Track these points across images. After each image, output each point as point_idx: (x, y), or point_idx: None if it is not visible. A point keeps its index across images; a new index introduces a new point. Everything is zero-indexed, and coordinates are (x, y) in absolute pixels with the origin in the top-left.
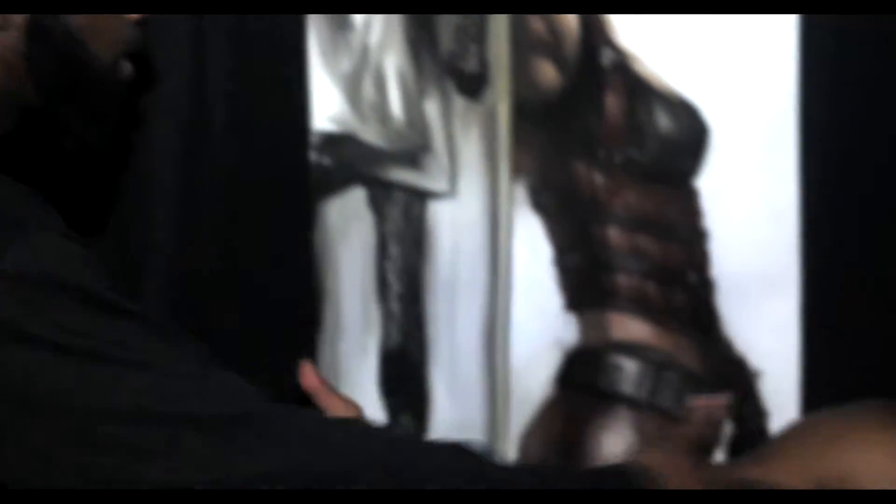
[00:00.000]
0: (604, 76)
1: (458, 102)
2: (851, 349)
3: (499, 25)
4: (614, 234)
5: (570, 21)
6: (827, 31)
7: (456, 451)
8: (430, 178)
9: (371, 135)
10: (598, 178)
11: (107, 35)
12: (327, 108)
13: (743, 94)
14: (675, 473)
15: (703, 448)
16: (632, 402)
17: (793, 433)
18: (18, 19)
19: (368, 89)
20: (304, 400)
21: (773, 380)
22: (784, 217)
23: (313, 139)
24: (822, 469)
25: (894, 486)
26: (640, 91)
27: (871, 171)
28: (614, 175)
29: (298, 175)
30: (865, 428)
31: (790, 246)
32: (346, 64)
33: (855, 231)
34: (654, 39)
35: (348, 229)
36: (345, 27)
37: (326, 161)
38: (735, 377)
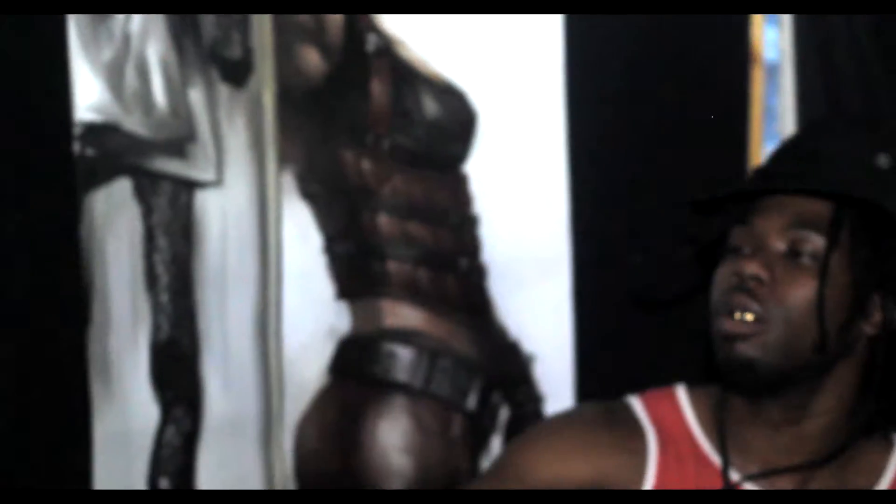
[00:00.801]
0: (369, 62)
1: (223, 90)
2: (623, 330)
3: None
4: (384, 221)
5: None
6: (589, 20)
7: None
8: (197, 168)
9: (135, 124)
10: (367, 165)
11: None
12: (89, 98)
13: (510, 80)
14: None
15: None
16: (407, 389)
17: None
18: None
19: (131, 78)
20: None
21: (547, 363)
22: (554, 201)
23: (76, 130)
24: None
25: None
26: (406, 77)
27: (636, 154)
28: (382, 161)
29: (62, 167)
30: (570, 434)
31: (561, 230)
32: (107, 53)
33: (623, 213)
34: (420, 25)
35: (115, 221)
36: (105, 16)
37: (90, 152)
38: (509, 362)
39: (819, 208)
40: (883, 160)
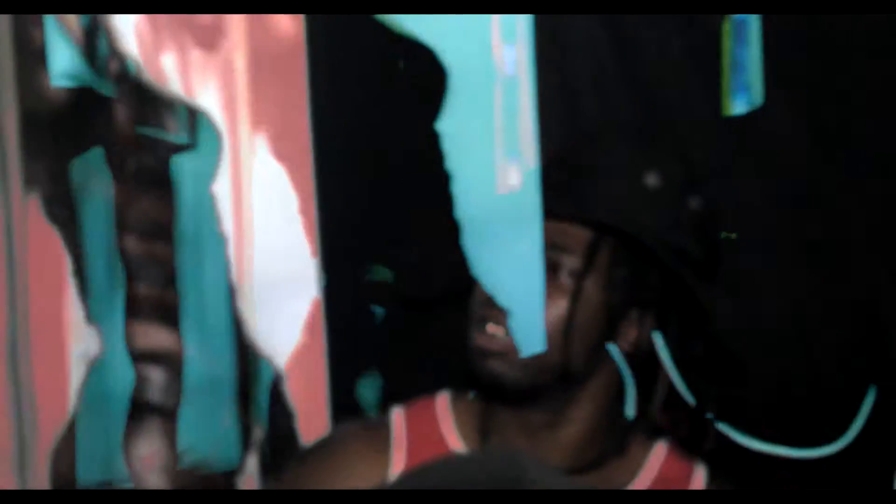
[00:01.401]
0: (111, 85)
1: None
2: (377, 342)
3: (0, 33)
4: (131, 243)
5: (75, 29)
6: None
7: None
8: None
9: None
10: (113, 187)
11: None
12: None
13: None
14: None
15: None
16: (161, 411)
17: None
18: None
19: None
20: None
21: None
22: (301, 217)
23: None
24: None
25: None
26: (147, 98)
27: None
28: (128, 183)
29: None
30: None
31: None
32: None
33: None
34: (159, 45)
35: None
36: None
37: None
38: (259, 378)
39: (578, 230)
40: (651, 178)
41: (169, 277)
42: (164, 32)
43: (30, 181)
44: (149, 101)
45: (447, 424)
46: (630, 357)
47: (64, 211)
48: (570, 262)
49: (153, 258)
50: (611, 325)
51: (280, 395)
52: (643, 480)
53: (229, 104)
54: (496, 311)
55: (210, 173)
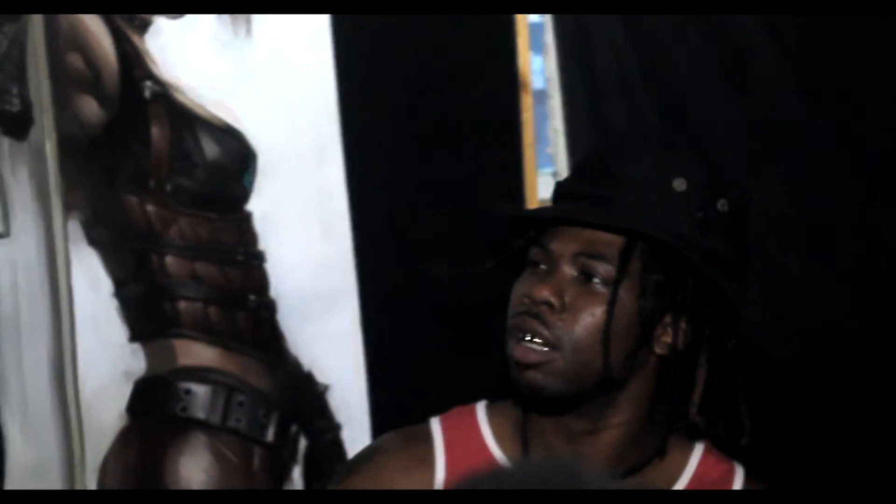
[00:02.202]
0: (147, 108)
1: (4, 143)
2: (413, 354)
3: (38, 63)
4: (172, 263)
5: (109, 55)
6: (359, 50)
7: None
8: None
9: None
10: (151, 209)
11: None
12: None
13: (287, 117)
14: None
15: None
16: (205, 426)
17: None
18: None
19: None
20: None
21: (341, 392)
22: (337, 233)
23: None
24: None
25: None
26: (184, 120)
27: (415, 182)
28: (166, 204)
29: None
30: (368, 468)
31: (345, 261)
32: None
33: (405, 241)
34: (195, 69)
35: None
36: None
37: None
38: (304, 393)
39: (610, 238)
40: (678, 183)
41: (207, 296)
42: None
43: (69, 206)
44: (185, 123)
45: (488, 432)
46: (666, 360)
47: (102, 234)
48: (604, 269)
49: (193, 276)
50: (646, 331)
51: (324, 407)
52: (684, 482)
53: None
54: (532, 322)
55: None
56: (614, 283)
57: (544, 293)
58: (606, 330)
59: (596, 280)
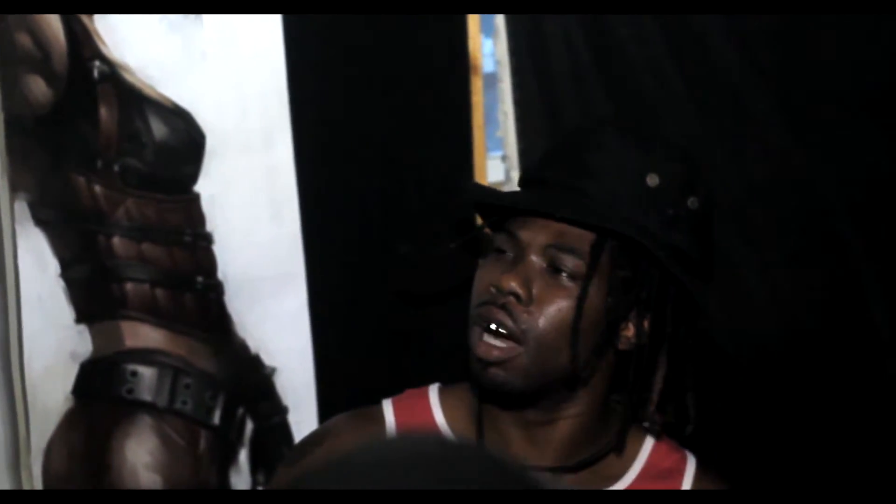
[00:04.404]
0: (95, 88)
1: None
2: (361, 337)
3: None
4: (119, 244)
5: (58, 35)
6: (309, 32)
7: None
8: None
9: None
10: (99, 189)
11: None
12: None
13: (236, 98)
14: None
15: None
16: (152, 408)
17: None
18: None
19: None
20: None
21: (289, 375)
22: (285, 216)
23: None
24: None
25: None
26: (133, 101)
27: (364, 163)
28: (114, 185)
29: None
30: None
31: (293, 243)
32: None
33: (354, 222)
34: (144, 49)
35: None
36: None
37: None
38: (252, 376)
39: (581, 231)
40: (651, 179)
41: (155, 277)
42: None
43: (16, 186)
44: (134, 103)
45: (440, 416)
46: (624, 354)
47: (49, 214)
48: (574, 263)
49: (140, 258)
50: (611, 327)
51: (271, 390)
52: (636, 471)
53: None
54: (499, 312)
55: None
56: (584, 279)
57: (512, 283)
58: (575, 326)
59: (564, 274)
